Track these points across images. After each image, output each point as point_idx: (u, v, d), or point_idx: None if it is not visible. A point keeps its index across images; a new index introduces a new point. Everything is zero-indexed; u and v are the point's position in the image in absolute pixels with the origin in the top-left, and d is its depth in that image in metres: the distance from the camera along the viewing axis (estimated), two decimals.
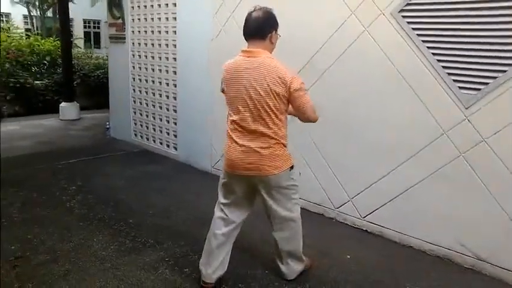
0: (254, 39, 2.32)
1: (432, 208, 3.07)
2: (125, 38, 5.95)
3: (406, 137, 3.14)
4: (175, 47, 5.17)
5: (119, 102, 6.33)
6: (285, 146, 2.40)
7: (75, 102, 8.09)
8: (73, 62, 8.88)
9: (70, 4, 14.86)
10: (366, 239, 3.38)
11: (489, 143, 2.74)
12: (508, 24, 2.60)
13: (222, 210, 2.54)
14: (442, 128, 2.95)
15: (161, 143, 5.65)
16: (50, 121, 7.74)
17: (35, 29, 16.39)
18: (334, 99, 3.53)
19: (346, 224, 3.60)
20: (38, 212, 3.60)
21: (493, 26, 2.66)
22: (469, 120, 2.81)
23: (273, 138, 2.31)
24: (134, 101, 6.04)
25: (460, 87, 2.83)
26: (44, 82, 8.80)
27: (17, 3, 16.51)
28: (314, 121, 2.44)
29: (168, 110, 5.47)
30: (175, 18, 5.10)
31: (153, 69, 5.61)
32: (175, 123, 5.37)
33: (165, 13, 5.24)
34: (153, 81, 5.64)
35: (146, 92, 5.79)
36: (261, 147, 2.30)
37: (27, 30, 15.50)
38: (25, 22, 17.49)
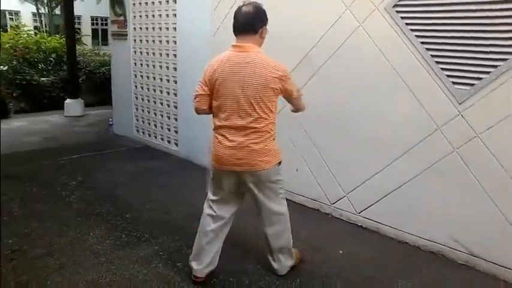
0: (245, 34, 2.32)
1: (426, 204, 3.06)
2: (126, 35, 5.99)
3: (401, 133, 3.13)
4: (175, 43, 5.20)
5: (122, 98, 6.39)
6: (275, 141, 2.42)
7: (80, 99, 8.17)
8: (78, 58, 8.97)
9: (78, 2, 15.10)
10: (361, 235, 3.38)
11: (482, 139, 2.72)
12: (501, 19, 2.57)
13: (210, 207, 2.56)
14: (436, 123, 2.93)
15: (162, 139, 5.69)
16: (55, 118, 7.82)
17: (43, 26, 16.57)
18: (330, 95, 3.53)
19: (342, 219, 3.60)
20: (38, 207, 3.66)
21: (487, 21, 2.63)
22: (462, 116, 2.79)
23: (264, 132, 2.33)
24: (136, 98, 6.09)
25: (454, 83, 2.81)
26: (50, 79, 8.90)
27: (25, 0, 16.69)
28: (304, 109, 2.56)
29: (168, 106, 5.50)
30: (175, 15, 5.13)
31: (154, 66, 5.64)
32: (175, 120, 5.41)
33: (166, 10, 5.27)
34: (154, 78, 5.68)
35: (148, 89, 5.83)
36: (253, 143, 2.31)
37: (35, 27, 15.71)
38: (34, 20, 17.69)
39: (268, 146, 2.35)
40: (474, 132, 2.75)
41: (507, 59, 2.56)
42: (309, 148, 3.74)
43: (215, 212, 2.53)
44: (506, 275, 2.72)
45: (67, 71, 8.39)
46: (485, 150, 2.71)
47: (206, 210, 2.58)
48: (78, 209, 3.68)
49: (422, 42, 2.93)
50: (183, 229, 3.31)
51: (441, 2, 2.82)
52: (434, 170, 2.98)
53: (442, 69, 2.86)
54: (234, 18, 2.36)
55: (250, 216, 2.76)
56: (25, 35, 10.03)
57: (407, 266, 2.92)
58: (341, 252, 3.06)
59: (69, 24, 8.11)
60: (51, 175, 4.53)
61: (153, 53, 5.61)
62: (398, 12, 3.03)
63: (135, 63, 5.98)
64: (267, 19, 2.38)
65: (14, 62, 8.56)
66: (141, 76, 5.91)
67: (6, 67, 8.45)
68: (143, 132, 6.06)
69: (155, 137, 5.83)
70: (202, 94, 2.42)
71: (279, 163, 2.43)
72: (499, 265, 2.74)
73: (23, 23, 13.94)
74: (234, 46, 2.34)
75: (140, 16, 5.72)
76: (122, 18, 6.01)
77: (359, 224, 3.49)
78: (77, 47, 10.48)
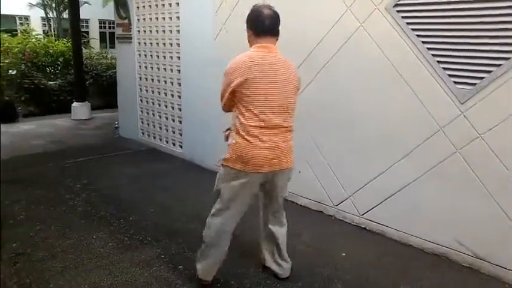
0: (270, 36, 2.33)
1: (429, 206, 3.02)
2: (131, 38, 6.03)
3: (403, 133, 3.10)
4: (179, 46, 5.22)
5: (127, 101, 6.43)
6: None
7: (87, 102, 8.24)
8: (85, 62, 9.04)
9: (86, 5, 15.25)
10: (365, 237, 3.35)
11: (485, 139, 2.68)
12: (502, 17, 2.54)
13: (228, 224, 2.46)
14: (438, 123, 2.89)
15: (167, 142, 5.71)
16: (63, 121, 7.90)
17: (52, 30, 16.76)
18: (332, 97, 3.51)
19: (346, 221, 3.58)
20: (42, 210, 3.70)
21: (488, 19, 2.60)
22: (464, 116, 2.76)
23: (291, 131, 2.38)
24: (141, 100, 6.12)
25: (456, 82, 2.78)
26: (58, 82, 8.99)
27: (34, 5, 16.90)
28: None
29: (173, 108, 5.52)
30: (178, 18, 5.15)
31: (158, 68, 5.67)
32: (180, 122, 5.42)
33: (169, 12, 5.29)
34: (158, 80, 5.70)
35: (152, 91, 5.85)
36: (285, 141, 2.33)
37: (44, 32, 15.88)
38: (43, 24, 17.88)
39: (292, 144, 2.41)
40: (476, 133, 2.71)
41: (509, 58, 2.52)
42: (311, 150, 3.72)
43: (233, 225, 2.47)
44: (511, 278, 2.67)
45: (74, 74, 8.46)
46: (488, 151, 2.67)
47: (224, 227, 2.44)
48: (82, 211, 3.70)
49: (423, 42, 2.91)
50: (185, 232, 3.32)
51: (442, 1, 2.79)
52: (437, 171, 2.94)
53: (444, 68, 2.82)
54: (256, 19, 2.31)
55: (251, 219, 2.75)
56: (33, 40, 10.14)
57: (410, 269, 2.88)
58: (344, 254, 3.04)
59: (75, 28, 8.17)
60: (56, 178, 4.57)
61: (157, 56, 5.63)
62: (399, 11, 3.00)
63: (140, 66, 6.02)
64: None
65: (23, 66, 8.66)
66: (146, 79, 5.94)
67: (15, 71, 8.55)
68: (148, 135, 6.09)
69: (160, 140, 5.85)
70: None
71: None
72: (504, 267, 2.69)
73: (31, 28, 14.06)
74: (262, 47, 2.30)
75: (144, 19, 5.75)
76: (126, 21, 6.05)
77: (362, 226, 3.46)
78: (85, 50, 10.61)
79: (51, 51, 9.65)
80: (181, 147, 5.46)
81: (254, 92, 2.22)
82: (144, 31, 5.79)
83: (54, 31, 16.41)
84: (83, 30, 16.26)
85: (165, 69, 5.55)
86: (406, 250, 3.13)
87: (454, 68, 2.77)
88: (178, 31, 5.19)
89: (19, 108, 8.14)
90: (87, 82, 9.07)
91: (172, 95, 5.49)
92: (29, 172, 4.77)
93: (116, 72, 8.89)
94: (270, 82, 2.24)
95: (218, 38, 4.53)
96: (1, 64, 8.27)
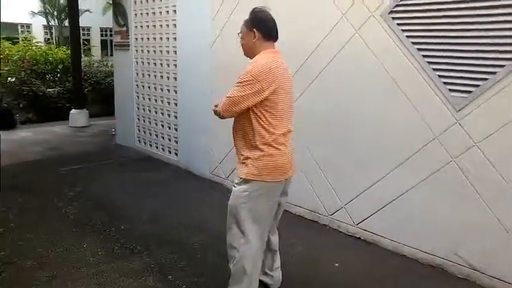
0: (274, 40, 2.29)
1: (424, 216, 2.96)
2: (129, 46, 6.02)
3: (398, 142, 3.05)
4: (175, 53, 5.20)
5: (124, 109, 6.40)
6: None
7: (85, 109, 8.23)
8: (84, 69, 9.04)
9: (87, 13, 15.33)
10: (359, 247, 3.28)
11: (481, 147, 2.63)
12: (497, 24, 2.50)
13: (264, 242, 2.34)
14: (433, 132, 2.85)
15: (163, 149, 5.67)
16: (60, 128, 7.88)
17: (54, 38, 16.85)
18: (327, 104, 3.47)
19: (340, 231, 3.51)
20: (34, 218, 3.65)
21: (483, 26, 2.56)
22: (460, 124, 2.71)
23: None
24: (138, 108, 6.10)
25: (451, 90, 2.74)
26: (56, 90, 8.99)
27: (36, 14, 17.03)
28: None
29: (169, 116, 5.49)
30: (175, 25, 5.13)
31: (155, 76, 5.65)
32: (176, 130, 5.39)
33: (166, 20, 5.28)
34: (155, 88, 5.68)
35: (149, 99, 5.83)
36: (291, 148, 2.29)
37: (46, 40, 15.96)
38: (45, 32, 18.00)
39: None
40: (472, 141, 2.66)
41: (504, 66, 2.48)
42: (306, 158, 3.67)
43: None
44: None
45: (72, 81, 8.46)
46: (484, 160, 2.62)
47: (262, 245, 2.32)
48: (74, 220, 3.65)
49: (418, 49, 2.87)
50: (176, 241, 3.26)
51: (437, 8, 2.76)
52: (433, 180, 2.88)
53: (439, 76, 2.78)
54: (266, 21, 2.24)
55: None
56: (33, 47, 10.17)
57: (404, 280, 2.81)
58: (337, 265, 2.98)
59: (75, 35, 8.18)
60: (51, 185, 4.53)
61: (154, 63, 5.62)
62: (394, 19, 2.97)
63: (137, 73, 6.00)
64: None
65: (22, 74, 8.67)
66: (143, 86, 5.92)
67: (14, 78, 8.57)
68: (144, 143, 6.05)
69: (156, 147, 5.81)
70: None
71: None
72: (501, 279, 2.62)
73: (32, 35, 14.14)
74: (273, 52, 2.24)
75: (141, 26, 5.74)
76: (124, 28, 6.05)
77: (357, 236, 3.39)
78: (85, 58, 10.63)
79: (50, 58, 9.69)
80: (176, 154, 5.42)
81: (281, 99, 2.15)
82: (142, 38, 5.78)
83: (55, 39, 16.50)
84: (84, 38, 16.39)
85: (162, 76, 5.53)
86: (401, 260, 3.06)
87: (450, 75, 2.73)
88: (175, 38, 5.17)
89: (17, 115, 8.13)
90: (86, 89, 9.06)
91: (169, 103, 5.46)
92: (24, 179, 4.73)
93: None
94: (286, 88, 2.21)
95: (214, 45, 4.51)
96: (0, 72, 8.28)
